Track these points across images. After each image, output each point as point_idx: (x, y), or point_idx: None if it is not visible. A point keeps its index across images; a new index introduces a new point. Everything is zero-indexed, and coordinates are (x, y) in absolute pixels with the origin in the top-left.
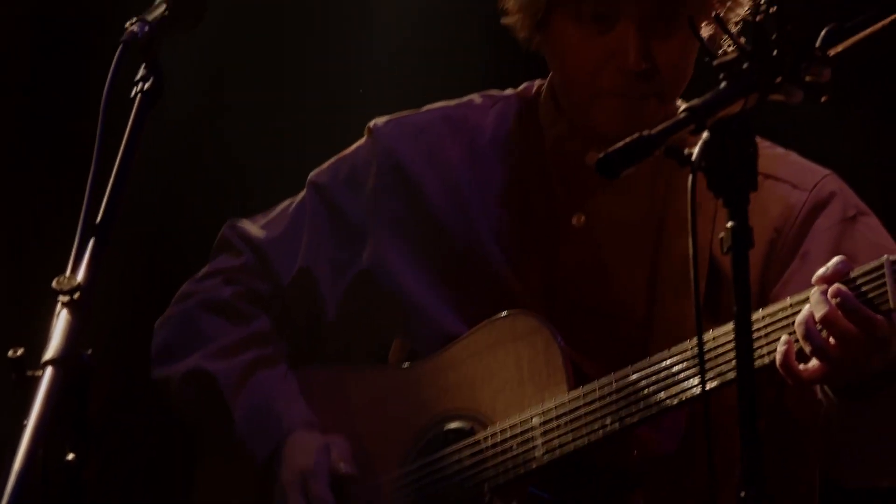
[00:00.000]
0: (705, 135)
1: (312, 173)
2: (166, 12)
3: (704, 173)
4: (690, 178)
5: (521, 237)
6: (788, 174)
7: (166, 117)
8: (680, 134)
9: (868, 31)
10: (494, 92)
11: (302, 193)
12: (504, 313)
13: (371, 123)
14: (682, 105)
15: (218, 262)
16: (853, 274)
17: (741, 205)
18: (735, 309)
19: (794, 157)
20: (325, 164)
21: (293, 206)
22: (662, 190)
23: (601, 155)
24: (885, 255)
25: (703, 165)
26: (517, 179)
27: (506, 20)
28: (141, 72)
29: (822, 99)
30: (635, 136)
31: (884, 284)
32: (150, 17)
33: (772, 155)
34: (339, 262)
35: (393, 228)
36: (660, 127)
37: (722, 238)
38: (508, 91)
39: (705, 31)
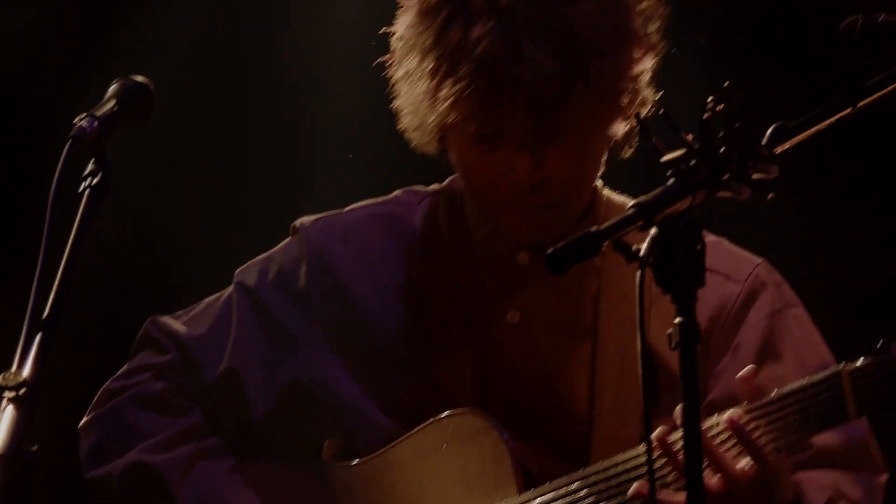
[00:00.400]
0: (653, 231)
1: (239, 271)
2: (115, 108)
3: (652, 269)
4: (638, 274)
5: (455, 336)
6: (722, 265)
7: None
8: (627, 230)
9: (814, 129)
10: (419, 188)
11: (228, 290)
12: (449, 413)
13: (297, 223)
14: (630, 202)
15: (142, 359)
16: (770, 398)
17: (689, 301)
18: (682, 406)
19: (726, 245)
20: (252, 263)
21: (219, 303)
22: (595, 286)
23: (549, 251)
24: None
25: (651, 261)
26: (449, 277)
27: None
28: (89, 167)
29: (769, 196)
30: (583, 231)
31: (786, 417)
32: (100, 113)
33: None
34: (268, 364)
35: (326, 332)
36: (608, 223)
37: (670, 334)
38: (434, 186)
39: (618, 127)
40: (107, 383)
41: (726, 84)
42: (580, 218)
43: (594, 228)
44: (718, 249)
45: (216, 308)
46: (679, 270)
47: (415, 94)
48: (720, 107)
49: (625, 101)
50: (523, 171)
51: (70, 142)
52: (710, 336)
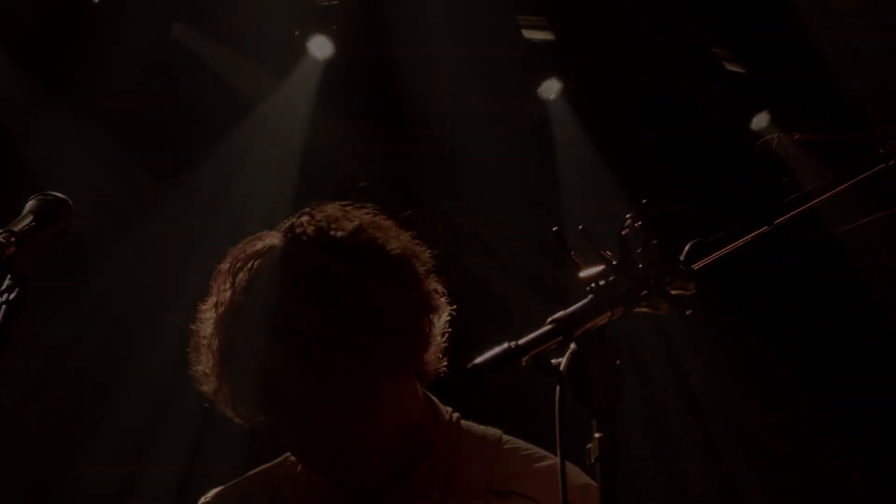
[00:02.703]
0: (572, 346)
1: None
2: (33, 223)
3: (571, 385)
4: (558, 389)
5: None
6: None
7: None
8: (546, 346)
9: (731, 246)
10: None
11: None
12: None
13: (203, 498)
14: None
15: None
16: None
17: (609, 415)
18: None
19: (552, 464)
20: None
21: None
22: (439, 498)
23: (469, 365)
24: None
25: (570, 377)
26: None
27: None
28: (6, 282)
29: (687, 312)
30: (504, 346)
31: None
32: (17, 228)
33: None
34: None
35: None
36: (527, 338)
37: (589, 448)
38: None
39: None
40: None
41: (644, 201)
42: (413, 458)
43: (513, 343)
44: (542, 476)
45: None
46: (598, 386)
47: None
48: (638, 223)
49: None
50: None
51: None
52: None
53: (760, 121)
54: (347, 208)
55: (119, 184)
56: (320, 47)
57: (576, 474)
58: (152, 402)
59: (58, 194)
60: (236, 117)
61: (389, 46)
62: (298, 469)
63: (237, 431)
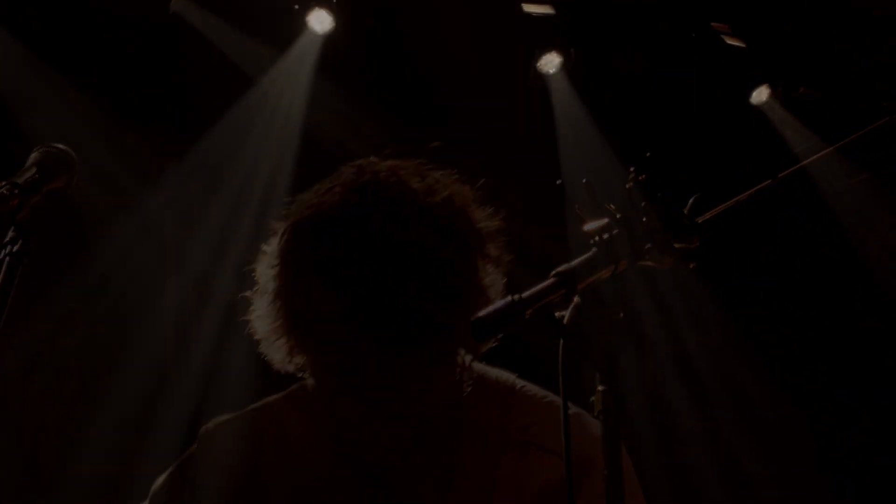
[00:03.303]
0: (576, 299)
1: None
2: (36, 175)
3: (574, 338)
4: (561, 342)
5: None
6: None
7: None
8: (549, 299)
9: (734, 199)
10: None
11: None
12: None
13: (204, 427)
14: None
15: None
16: None
17: (612, 368)
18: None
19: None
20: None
21: None
22: (456, 446)
23: (473, 318)
24: None
25: (573, 330)
26: None
27: None
28: (10, 234)
29: (691, 265)
30: (507, 300)
31: None
32: (20, 180)
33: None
34: None
35: None
36: (530, 291)
37: (593, 401)
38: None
39: None
40: None
41: (648, 154)
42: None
43: (517, 296)
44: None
45: None
46: (601, 339)
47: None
48: (642, 177)
49: None
50: None
51: None
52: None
53: (760, 94)
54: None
55: (119, 159)
56: (320, 21)
57: (595, 426)
58: (151, 380)
59: (61, 146)
60: (236, 92)
61: (389, 21)
62: (313, 405)
63: (236, 407)
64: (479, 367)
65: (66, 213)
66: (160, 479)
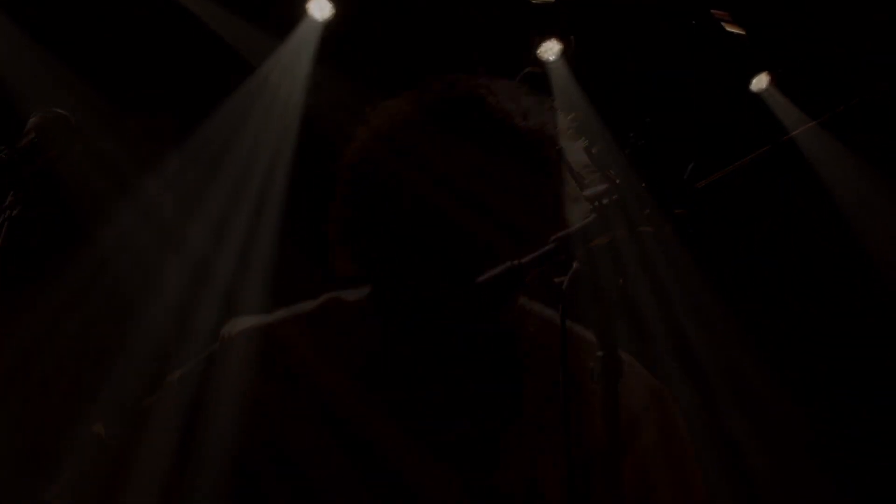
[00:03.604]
0: (575, 265)
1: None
2: (35, 139)
3: (573, 303)
4: (561, 307)
5: None
6: None
7: None
8: (550, 263)
9: (734, 165)
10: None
11: None
12: None
13: (226, 329)
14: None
15: None
16: None
17: (611, 334)
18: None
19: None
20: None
21: None
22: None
23: (473, 283)
24: None
25: (572, 294)
26: None
27: None
28: (9, 199)
29: (690, 231)
30: (506, 265)
31: None
32: (19, 145)
33: None
34: None
35: None
36: (530, 257)
37: (591, 367)
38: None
39: None
40: None
41: (647, 120)
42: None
43: (515, 261)
44: None
45: None
46: (599, 304)
47: None
48: (642, 141)
49: None
50: None
51: None
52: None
53: (760, 82)
54: None
55: (118, 146)
56: (320, 8)
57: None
58: (152, 364)
59: (59, 110)
60: (236, 78)
61: (389, 8)
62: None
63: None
64: (524, 299)
65: (64, 199)
66: (177, 373)
